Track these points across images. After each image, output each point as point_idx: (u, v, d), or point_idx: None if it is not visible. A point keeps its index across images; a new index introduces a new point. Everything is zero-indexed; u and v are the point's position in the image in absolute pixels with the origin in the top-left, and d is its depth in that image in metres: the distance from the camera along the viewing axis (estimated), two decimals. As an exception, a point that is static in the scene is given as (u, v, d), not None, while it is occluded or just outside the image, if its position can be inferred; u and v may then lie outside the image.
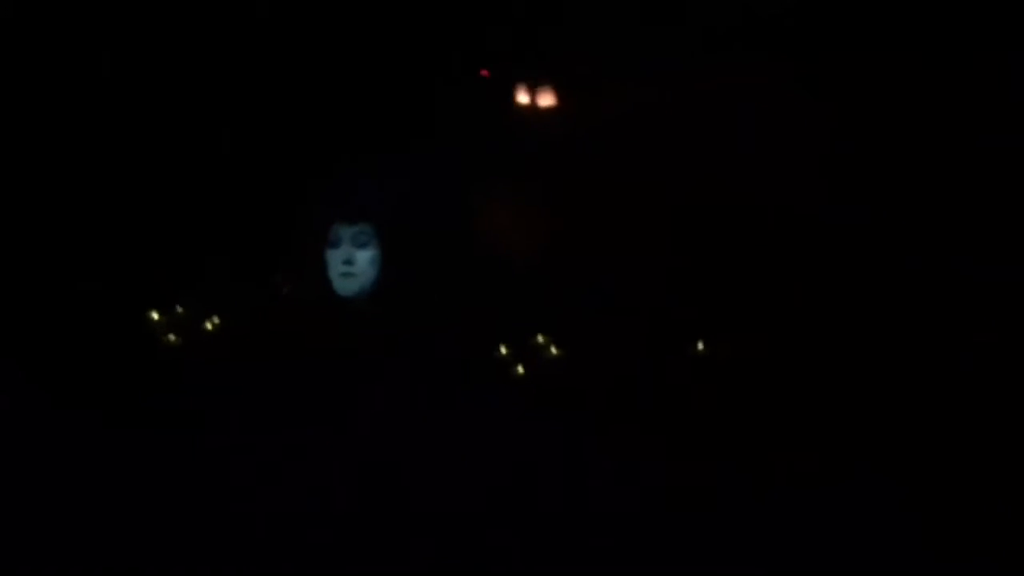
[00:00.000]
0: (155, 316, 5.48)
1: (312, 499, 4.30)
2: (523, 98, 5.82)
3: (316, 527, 4.28)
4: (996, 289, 5.49)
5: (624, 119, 5.75)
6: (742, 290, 5.65)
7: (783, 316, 5.64)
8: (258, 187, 5.53)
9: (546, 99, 5.83)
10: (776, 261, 5.66)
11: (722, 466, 5.15)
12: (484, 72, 5.84)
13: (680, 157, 5.74)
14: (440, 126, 5.75)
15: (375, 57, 5.76)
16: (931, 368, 5.44)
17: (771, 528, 4.94)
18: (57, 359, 5.39)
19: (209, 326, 5.40)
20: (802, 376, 5.45)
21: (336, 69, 5.71)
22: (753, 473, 5.16)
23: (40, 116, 5.67)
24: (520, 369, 5.26)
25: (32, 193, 5.64)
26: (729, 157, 5.74)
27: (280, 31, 5.73)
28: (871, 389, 5.41)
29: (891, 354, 5.49)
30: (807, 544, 4.87)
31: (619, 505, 4.85)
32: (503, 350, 5.23)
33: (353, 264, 4.36)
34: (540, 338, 5.41)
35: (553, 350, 5.42)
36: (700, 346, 5.53)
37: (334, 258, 4.40)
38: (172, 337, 5.43)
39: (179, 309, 5.47)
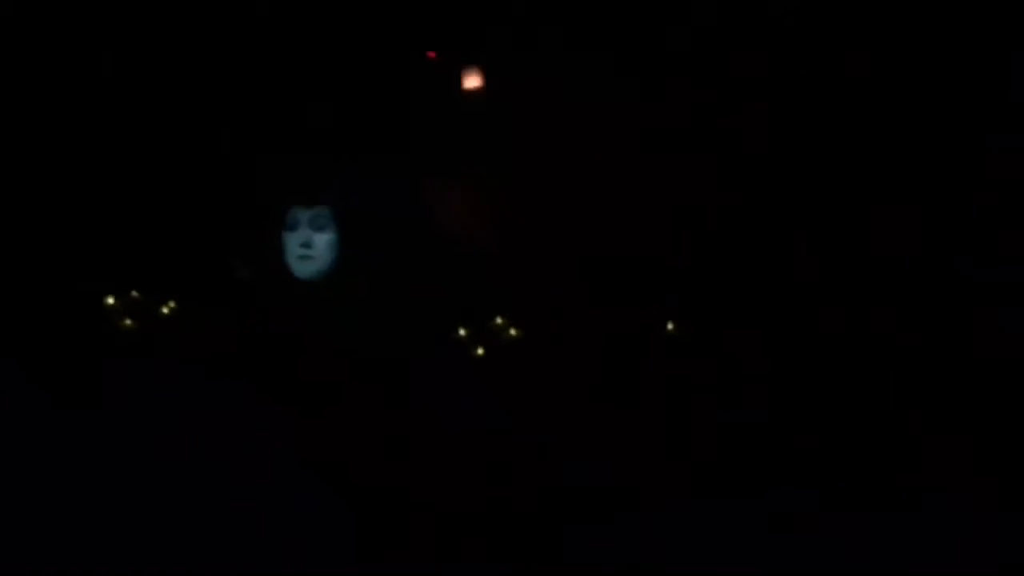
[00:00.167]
0: (111, 301, 5.44)
1: (273, 479, 4.29)
2: (472, 82, 5.80)
3: (280, 510, 4.27)
4: (996, 289, 5.50)
5: (584, 101, 5.74)
6: (709, 271, 5.64)
7: (757, 301, 5.63)
8: (214, 169, 5.50)
9: (472, 81, 5.81)
10: (751, 247, 5.66)
11: (687, 450, 5.15)
12: (431, 54, 5.82)
13: (643, 139, 5.74)
14: (394, 109, 5.73)
15: (328, 40, 5.73)
16: (926, 364, 5.44)
17: (736, 511, 4.95)
18: (12, 346, 5.35)
19: (166, 310, 5.37)
20: (780, 360, 5.45)
21: (291, 53, 5.68)
22: (717, 457, 5.17)
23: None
24: (480, 351, 5.25)
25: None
26: (697, 141, 5.75)
27: (233, 16, 5.69)
28: (860, 380, 5.41)
29: (880, 349, 5.50)
30: (778, 533, 4.88)
31: (582, 486, 4.85)
32: (462, 332, 5.22)
33: (311, 247, 4.36)
34: (499, 320, 5.40)
35: (512, 331, 5.41)
36: (669, 327, 5.53)
37: (292, 241, 4.39)
38: (128, 322, 5.39)
39: (134, 294, 5.43)
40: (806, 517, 4.95)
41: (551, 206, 5.71)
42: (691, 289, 5.66)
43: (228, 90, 5.64)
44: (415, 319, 4.54)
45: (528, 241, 5.65)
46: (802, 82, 5.72)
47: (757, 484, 5.07)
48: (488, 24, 5.81)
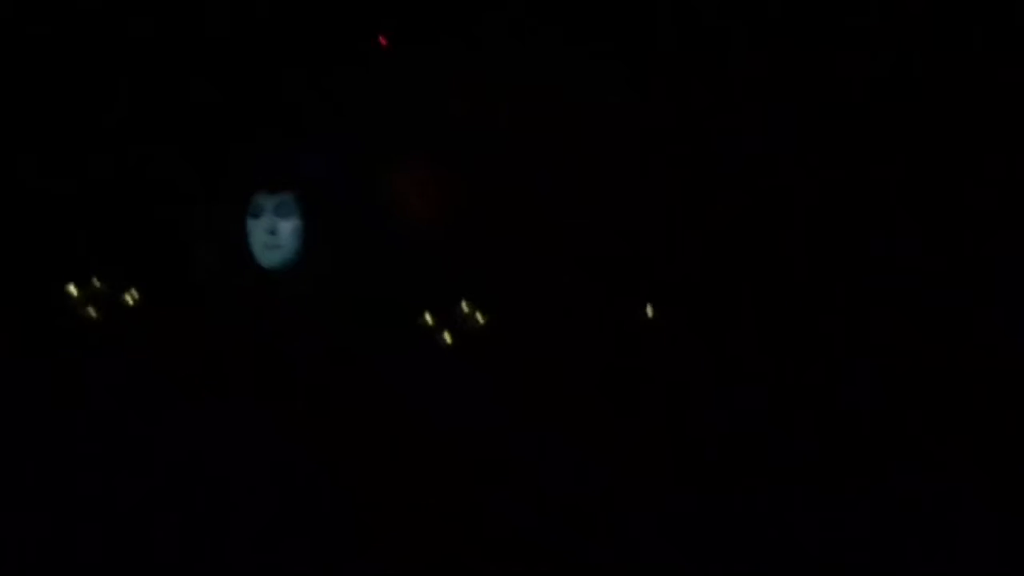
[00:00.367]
0: (72, 291, 5.40)
1: (243, 469, 4.26)
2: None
3: (246, 502, 4.24)
4: (997, 290, 5.52)
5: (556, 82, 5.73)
6: (691, 259, 5.65)
7: (749, 294, 5.64)
8: (176, 156, 5.46)
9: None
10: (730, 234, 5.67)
11: (708, 451, 5.15)
12: (382, 40, 5.80)
13: (621, 126, 5.74)
14: (354, 94, 5.71)
15: (288, 26, 5.71)
16: (925, 365, 5.46)
17: (716, 501, 4.95)
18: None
19: (129, 299, 5.32)
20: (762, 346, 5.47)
21: (256, 38, 5.65)
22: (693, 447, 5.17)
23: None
24: (447, 337, 5.22)
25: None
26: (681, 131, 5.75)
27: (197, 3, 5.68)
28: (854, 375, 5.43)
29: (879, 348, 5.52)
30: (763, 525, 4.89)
31: (556, 472, 4.84)
32: (428, 318, 5.20)
33: (276, 234, 4.32)
34: (465, 305, 5.37)
35: (479, 317, 5.38)
36: (648, 311, 5.52)
37: (257, 228, 4.35)
38: (91, 311, 5.35)
39: (96, 283, 5.39)
40: (806, 517, 4.96)
41: (521, 190, 5.69)
42: (674, 278, 5.65)
43: (192, 75, 5.61)
44: (381, 306, 4.51)
45: (496, 225, 5.63)
46: (802, 82, 5.73)
47: (752, 481, 5.08)
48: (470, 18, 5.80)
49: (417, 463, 4.30)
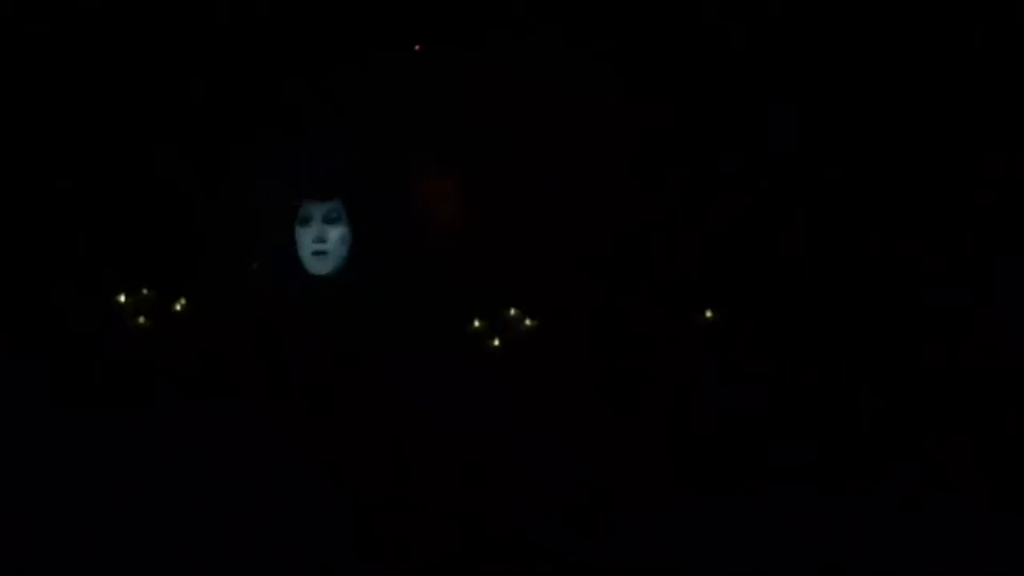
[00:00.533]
0: (122, 299, 5.42)
1: (288, 477, 4.26)
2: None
3: (293, 506, 4.24)
4: (997, 290, 5.50)
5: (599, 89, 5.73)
6: (728, 262, 5.64)
7: (763, 299, 5.62)
8: (224, 164, 5.48)
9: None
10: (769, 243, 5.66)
11: (709, 451, 5.14)
12: (419, 47, 5.80)
13: (652, 134, 5.73)
14: (398, 101, 5.72)
15: (339, 36, 5.72)
16: (925, 365, 5.44)
17: (756, 514, 4.94)
18: (25, 345, 5.35)
19: (178, 307, 5.34)
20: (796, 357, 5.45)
21: (304, 50, 5.67)
22: (739, 458, 5.16)
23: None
24: (496, 342, 5.22)
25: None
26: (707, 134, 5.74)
27: (238, 11, 5.68)
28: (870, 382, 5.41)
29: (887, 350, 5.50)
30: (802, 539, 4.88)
31: (598, 482, 4.83)
32: (476, 324, 5.20)
33: (325, 242, 4.32)
34: (512, 311, 5.37)
35: (527, 322, 5.38)
36: (708, 314, 5.50)
37: (305, 236, 4.35)
38: (141, 320, 5.37)
39: (145, 291, 5.42)
40: (806, 517, 4.95)
41: (560, 196, 5.69)
42: (675, 278, 5.65)
43: (240, 86, 5.62)
44: (429, 312, 4.51)
45: (540, 232, 5.63)
46: (802, 82, 5.72)
47: (757, 483, 5.06)
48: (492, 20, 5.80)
49: (447, 468, 4.29)
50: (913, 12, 5.66)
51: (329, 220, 4.35)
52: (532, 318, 5.38)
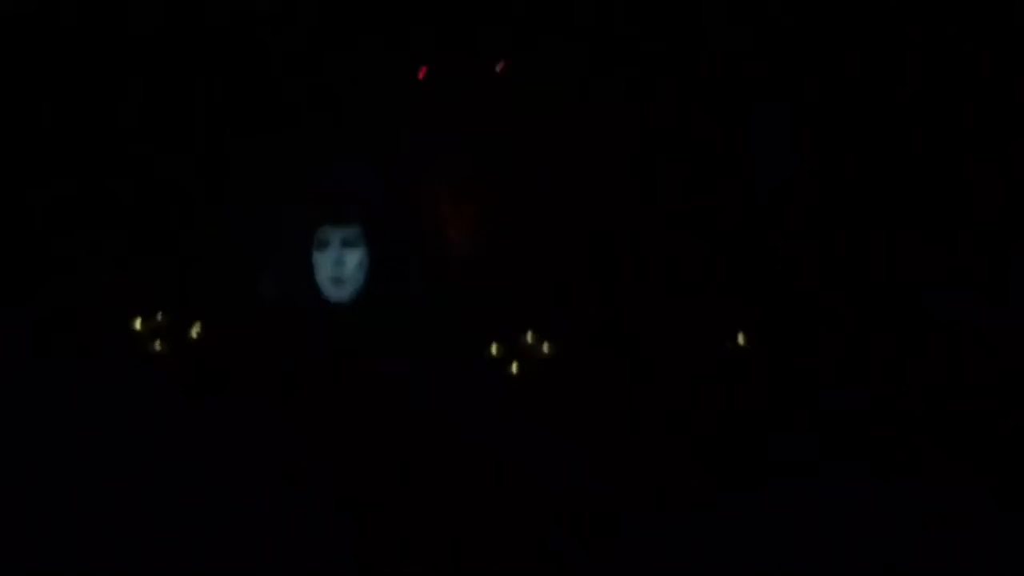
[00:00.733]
0: (137, 325, 5.40)
1: (305, 508, 4.23)
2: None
3: (310, 535, 4.21)
4: (998, 290, 5.50)
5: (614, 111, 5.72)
6: (747, 284, 5.63)
7: (769, 307, 5.62)
8: (240, 187, 5.47)
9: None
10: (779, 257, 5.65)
11: (726, 474, 5.13)
12: (422, 71, 5.80)
13: (677, 151, 5.72)
14: (420, 123, 5.70)
15: (356, 55, 5.71)
16: (926, 364, 5.43)
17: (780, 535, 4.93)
18: (42, 368, 5.34)
19: (194, 333, 5.32)
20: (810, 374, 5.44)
21: (318, 69, 5.66)
22: (759, 480, 5.15)
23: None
24: (514, 368, 5.19)
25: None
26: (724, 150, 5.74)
27: (258, 31, 5.68)
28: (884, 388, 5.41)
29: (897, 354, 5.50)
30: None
31: (621, 509, 4.82)
32: (494, 350, 5.17)
33: (343, 267, 4.27)
34: (529, 336, 5.34)
35: (545, 348, 5.35)
36: (740, 340, 5.49)
37: (323, 261, 4.31)
38: (157, 346, 5.34)
39: (160, 317, 5.39)
40: (806, 516, 4.94)
41: (581, 223, 5.68)
42: (675, 279, 5.64)
43: (255, 108, 5.62)
44: (447, 337, 4.47)
45: (559, 257, 5.61)
46: (803, 83, 5.72)
47: (759, 483, 5.05)
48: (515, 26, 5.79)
49: (464, 494, 4.25)
50: (913, 12, 5.66)
51: (347, 244, 4.31)
52: (550, 343, 5.35)
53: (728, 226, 5.70)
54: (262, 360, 4.46)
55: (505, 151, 5.70)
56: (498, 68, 5.68)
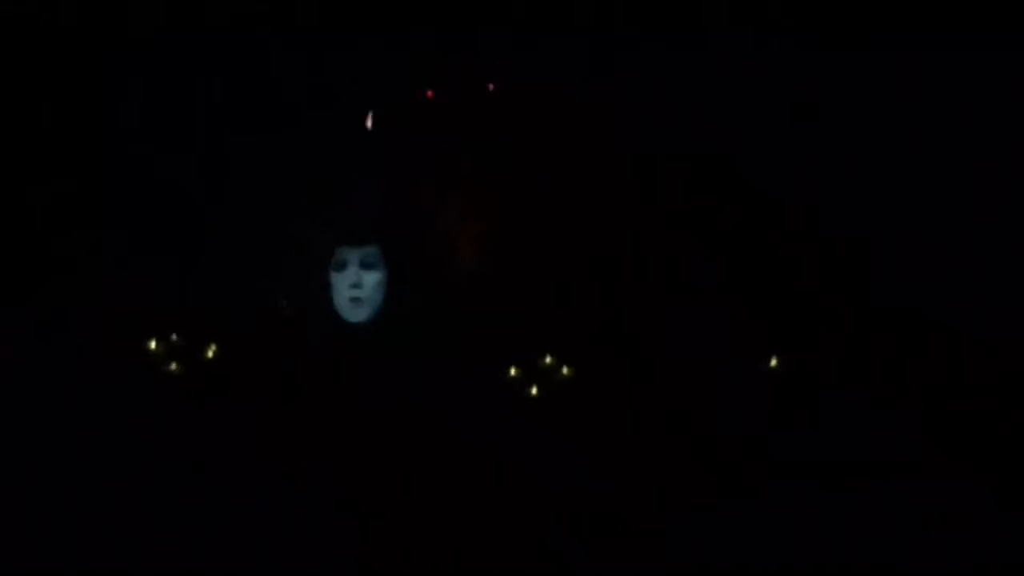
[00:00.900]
0: (152, 346, 5.38)
1: (319, 528, 4.20)
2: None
3: (323, 556, 4.18)
4: (998, 290, 5.49)
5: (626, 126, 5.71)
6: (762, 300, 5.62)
7: (774, 316, 5.62)
8: (257, 207, 5.46)
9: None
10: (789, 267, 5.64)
11: (726, 474, 5.14)
12: (429, 94, 5.78)
13: (696, 165, 5.72)
14: (435, 143, 5.69)
15: (372, 78, 5.70)
16: (926, 365, 5.43)
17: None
18: (57, 391, 5.34)
19: (209, 354, 5.30)
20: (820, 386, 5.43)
21: (335, 89, 5.65)
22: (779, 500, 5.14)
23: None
24: (534, 391, 5.17)
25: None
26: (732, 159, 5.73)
27: (275, 47, 5.68)
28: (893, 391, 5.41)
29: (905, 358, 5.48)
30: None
31: (639, 530, 4.80)
32: (513, 372, 5.14)
33: (361, 287, 4.23)
34: (548, 359, 5.31)
35: (564, 370, 5.33)
36: (773, 362, 5.47)
37: (341, 282, 4.27)
38: (173, 366, 5.32)
39: (175, 337, 5.38)
40: (806, 517, 4.92)
41: (600, 244, 5.66)
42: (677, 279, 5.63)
43: (272, 129, 5.61)
44: (465, 359, 4.44)
45: (578, 279, 5.59)
46: (804, 83, 5.71)
47: (759, 483, 5.04)
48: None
49: (480, 515, 4.22)
50: (913, 12, 5.66)
51: (365, 265, 4.27)
52: (569, 366, 5.33)
53: (731, 229, 5.68)
54: (277, 378, 4.43)
55: (522, 168, 5.69)
56: (490, 87, 5.67)
